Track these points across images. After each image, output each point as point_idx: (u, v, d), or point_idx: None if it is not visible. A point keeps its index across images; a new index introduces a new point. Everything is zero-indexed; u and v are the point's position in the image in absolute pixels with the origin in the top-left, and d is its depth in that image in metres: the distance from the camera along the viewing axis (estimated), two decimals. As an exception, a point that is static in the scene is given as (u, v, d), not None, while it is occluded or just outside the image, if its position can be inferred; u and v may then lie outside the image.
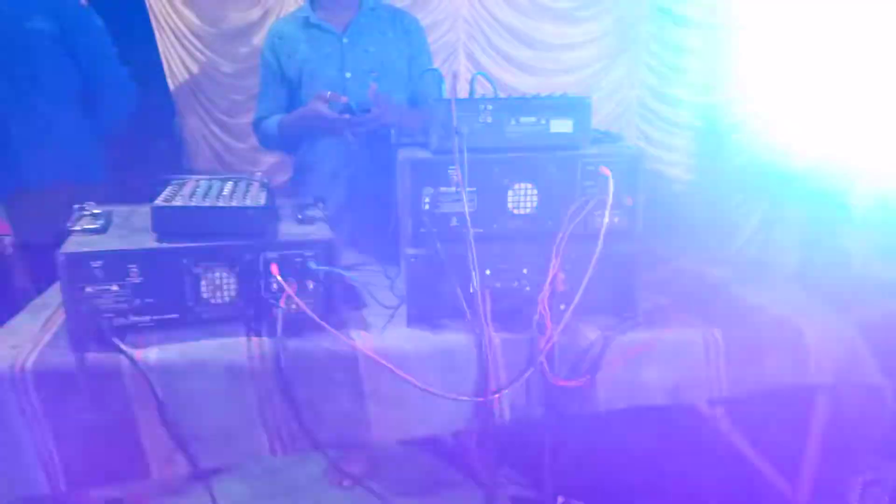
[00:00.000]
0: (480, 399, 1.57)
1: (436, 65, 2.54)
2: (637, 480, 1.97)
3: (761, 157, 2.50)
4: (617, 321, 1.66)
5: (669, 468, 1.95)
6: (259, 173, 1.82)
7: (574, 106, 1.68)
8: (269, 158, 3.82)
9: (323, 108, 2.12)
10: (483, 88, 1.81)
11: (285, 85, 2.41)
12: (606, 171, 1.60)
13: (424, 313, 1.65)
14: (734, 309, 1.78)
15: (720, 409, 1.76)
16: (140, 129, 2.73)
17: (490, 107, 1.63)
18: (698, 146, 3.59)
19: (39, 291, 1.82)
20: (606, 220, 1.60)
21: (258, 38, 3.75)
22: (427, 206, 1.62)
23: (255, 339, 1.53)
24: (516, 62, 3.84)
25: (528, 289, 1.64)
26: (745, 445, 1.79)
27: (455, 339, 1.60)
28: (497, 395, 1.58)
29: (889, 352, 1.74)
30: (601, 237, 1.57)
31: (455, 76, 1.76)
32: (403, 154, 1.65)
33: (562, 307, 1.61)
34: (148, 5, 3.74)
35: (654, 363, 1.63)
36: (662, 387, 1.65)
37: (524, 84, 3.83)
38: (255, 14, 3.79)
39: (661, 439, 1.87)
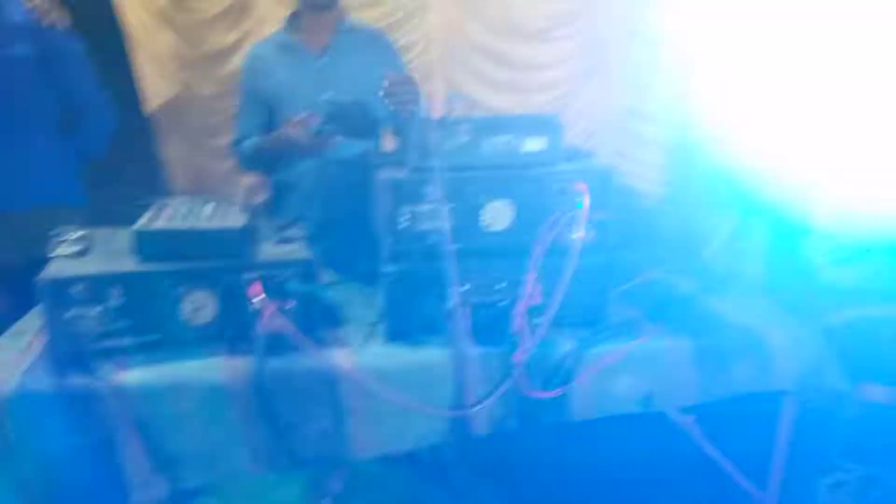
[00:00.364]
0: (458, 413, 1.61)
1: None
2: (611, 490, 2.01)
3: (728, 170, 2.58)
4: (590, 333, 1.71)
5: (643, 476, 1.99)
6: (238, 194, 1.85)
7: (546, 125, 1.73)
8: (248, 179, 3.84)
9: (299, 130, 2.16)
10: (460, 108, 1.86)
11: (263, 106, 2.44)
12: (581, 188, 1.65)
13: (403, 329, 1.68)
14: (702, 319, 1.84)
15: (690, 416, 1.81)
16: (119, 152, 2.75)
17: (465, 127, 1.68)
18: (669, 161, 3.69)
19: (19, 316, 1.83)
20: (580, 235, 1.64)
21: (236, 60, 3.78)
22: (405, 224, 1.66)
23: (235, 359, 1.55)
24: (491, 81, 3.91)
25: (504, 303, 1.68)
26: (715, 451, 1.84)
27: (433, 354, 1.63)
28: (474, 409, 1.61)
29: (850, 357, 1.80)
30: (574, 251, 1.62)
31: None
32: (381, 173, 1.69)
33: (537, 320, 1.65)
34: (125, 27, 3.76)
35: (626, 373, 1.68)
36: (634, 396, 1.69)
37: (500, 102, 3.90)
38: (233, 36, 3.82)
39: (634, 448, 1.92)
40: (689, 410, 1.82)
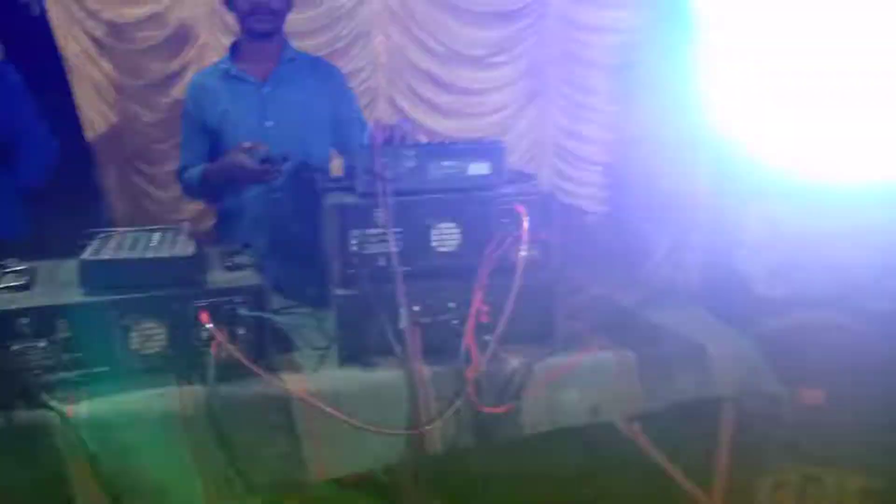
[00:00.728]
0: (413, 432, 1.63)
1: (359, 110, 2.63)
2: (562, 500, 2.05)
3: (665, 187, 2.70)
4: (538, 348, 1.75)
5: (593, 485, 2.04)
6: (185, 223, 1.85)
7: (489, 149, 1.79)
8: (193, 206, 3.80)
9: (244, 159, 2.16)
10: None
11: (207, 135, 2.44)
12: (520, 210, 1.71)
13: (355, 352, 1.70)
14: (645, 330, 1.91)
15: (636, 425, 1.87)
16: (60, 182, 2.70)
17: (412, 152, 1.73)
18: (609, 179, 3.83)
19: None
20: (525, 254, 1.70)
21: (178, 89, 3.76)
22: (354, 248, 1.69)
23: (187, 388, 1.54)
24: (436, 106, 3.98)
25: (454, 322, 1.72)
26: (661, 457, 1.90)
27: (386, 375, 1.65)
28: (429, 427, 1.64)
29: (783, 362, 1.89)
30: (519, 270, 1.67)
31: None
32: (330, 199, 1.72)
33: (487, 338, 1.69)
34: (64, 57, 3.70)
35: (574, 385, 1.73)
36: (582, 407, 1.75)
37: (445, 127, 3.97)
38: (175, 65, 3.80)
39: (584, 458, 1.97)
40: (635, 419, 1.89)
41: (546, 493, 2.02)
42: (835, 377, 2.25)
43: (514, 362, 1.71)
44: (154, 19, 3.72)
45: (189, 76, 3.29)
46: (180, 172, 2.51)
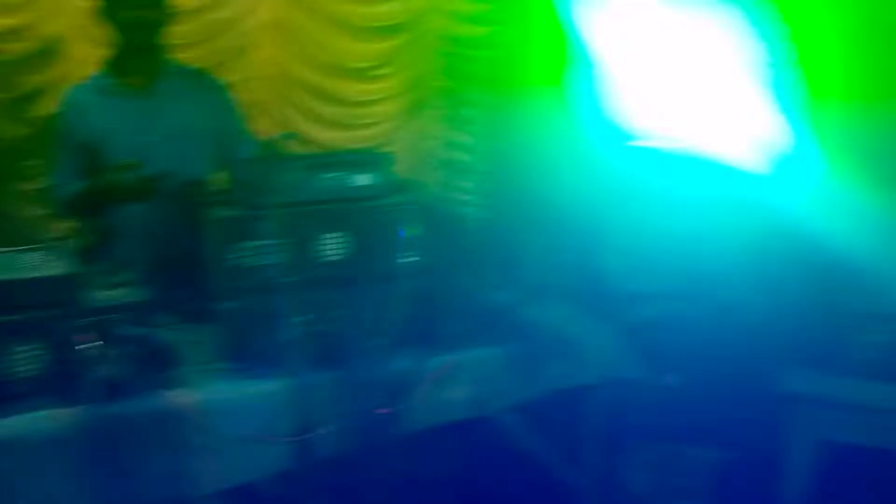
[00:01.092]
0: (303, 438, 1.66)
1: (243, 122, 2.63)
2: (449, 495, 2.14)
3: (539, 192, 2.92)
4: (424, 349, 1.84)
5: (478, 477, 2.15)
6: (63, 240, 1.81)
7: (375, 160, 1.87)
8: (70, 224, 3.64)
9: (123, 176, 2.13)
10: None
11: (83, 151, 2.36)
12: (405, 218, 1.80)
13: (243, 364, 1.72)
14: (519, 326, 2.05)
15: (514, 416, 2.01)
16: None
17: (297, 164, 1.78)
18: (489, 187, 4.02)
19: None
20: (410, 260, 1.79)
21: (49, 103, 3.60)
22: (240, 261, 1.72)
23: (71, 409, 1.51)
24: (323, 118, 4.00)
25: (343, 329, 1.77)
26: (537, 446, 2.05)
27: (275, 385, 1.67)
28: (319, 433, 1.67)
29: (648, 350, 2.09)
30: (405, 276, 1.75)
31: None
32: (213, 213, 1.74)
33: (374, 342, 1.76)
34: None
35: (456, 382, 1.84)
36: (465, 402, 1.86)
37: (332, 139, 4.00)
38: (45, 78, 3.64)
39: (468, 452, 2.07)
40: (512, 411, 2.02)
41: (435, 492, 2.11)
42: (690, 362, 2.50)
43: (401, 364, 1.79)
44: (20, 31, 3.54)
45: (61, 90, 3.16)
46: (54, 190, 2.42)
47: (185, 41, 3.61)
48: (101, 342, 1.54)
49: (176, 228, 2.28)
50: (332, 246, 1.79)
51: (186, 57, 3.34)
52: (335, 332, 1.77)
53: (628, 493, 2.40)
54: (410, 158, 4.15)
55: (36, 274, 1.55)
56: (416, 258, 1.83)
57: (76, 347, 1.53)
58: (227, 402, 1.64)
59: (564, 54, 3.24)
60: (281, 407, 1.66)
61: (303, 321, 1.71)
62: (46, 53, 3.63)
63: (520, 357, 1.91)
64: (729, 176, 2.71)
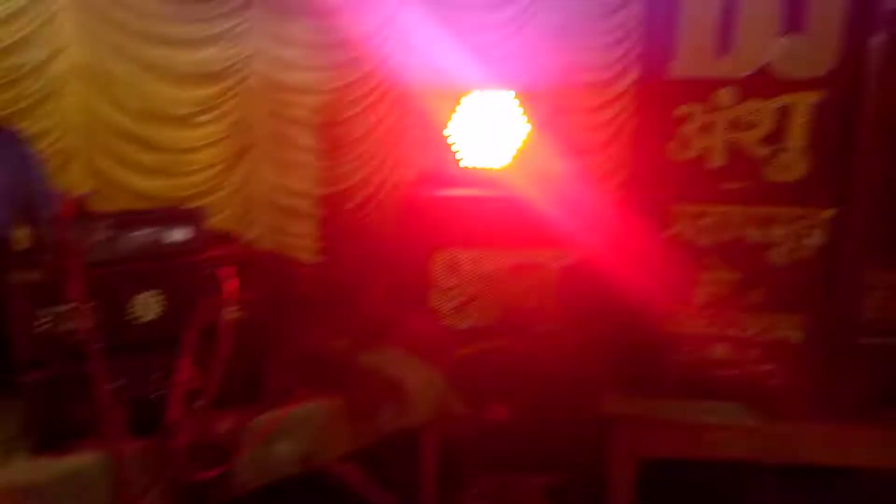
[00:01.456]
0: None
1: (50, 173, 2.46)
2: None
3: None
4: (249, 406, 1.81)
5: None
6: None
7: (189, 215, 1.83)
8: None
9: None
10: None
11: None
12: (225, 272, 1.77)
13: (51, 439, 1.61)
14: (351, 374, 2.08)
15: (349, 464, 2.02)
16: None
17: (106, 222, 1.70)
18: (322, 231, 4.04)
19: None
20: (231, 316, 1.76)
21: None
22: (45, 327, 1.61)
23: None
24: (141, 166, 3.82)
25: (160, 393, 1.71)
26: (375, 490, 2.08)
27: (86, 458, 1.59)
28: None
29: (473, 385, 2.20)
30: (226, 333, 1.72)
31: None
32: (14, 276, 1.62)
33: (196, 404, 1.71)
34: None
35: (285, 438, 1.83)
36: (295, 457, 1.84)
37: (152, 187, 3.81)
38: None
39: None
40: (347, 459, 2.03)
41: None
42: (513, 394, 2.65)
43: (225, 424, 1.75)
44: None
45: None
46: None
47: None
48: None
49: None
50: (146, 306, 1.72)
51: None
52: (152, 396, 1.70)
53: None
54: (241, 203, 4.06)
55: None
56: (238, 313, 1.80)
57: None
58: (31, 481, 1.52)
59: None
60: (91, 482, 1.57)
61: (116, 387, 1.64)
62: None
63: (348, 405, 1.93)
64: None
